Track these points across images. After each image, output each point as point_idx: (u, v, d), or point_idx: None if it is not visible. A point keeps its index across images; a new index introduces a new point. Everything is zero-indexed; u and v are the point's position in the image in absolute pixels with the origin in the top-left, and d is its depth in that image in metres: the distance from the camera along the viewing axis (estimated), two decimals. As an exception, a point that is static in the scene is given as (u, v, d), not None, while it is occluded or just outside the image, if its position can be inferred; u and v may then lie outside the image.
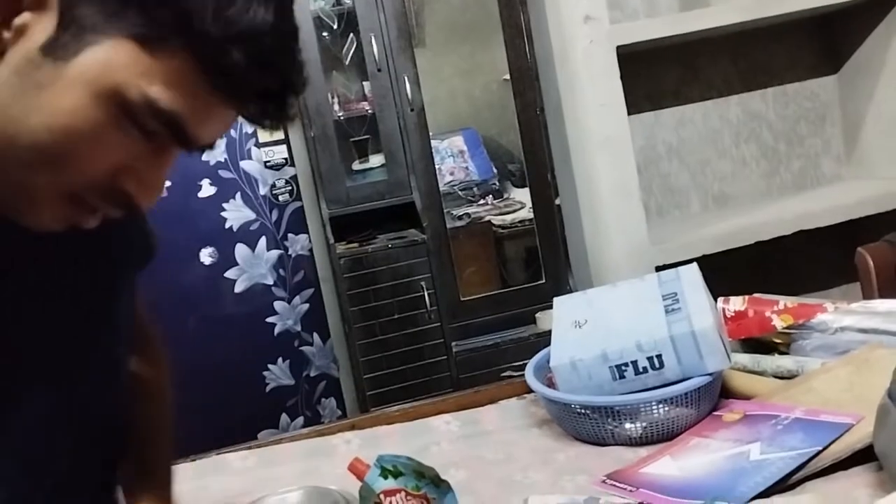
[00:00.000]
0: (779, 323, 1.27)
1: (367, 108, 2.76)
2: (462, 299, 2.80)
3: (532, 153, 2.80)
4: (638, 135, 2.67)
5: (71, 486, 0.78)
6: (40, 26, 0.55)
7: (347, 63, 2.81)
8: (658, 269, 2.09)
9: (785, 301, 1.30)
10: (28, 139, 0.55)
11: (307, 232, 2.54)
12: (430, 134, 2.76)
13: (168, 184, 2.23)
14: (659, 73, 2.69)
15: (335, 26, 2.77)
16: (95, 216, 0.62)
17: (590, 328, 1.18)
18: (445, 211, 2.84)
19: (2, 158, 0.56)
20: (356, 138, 2.81)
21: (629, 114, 2.38)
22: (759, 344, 1.30)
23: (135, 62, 0.55)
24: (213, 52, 0.55)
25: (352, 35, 2.75)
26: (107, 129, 0.56)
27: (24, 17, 0.55)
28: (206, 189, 2.37)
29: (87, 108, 0.55)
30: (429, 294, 2.67)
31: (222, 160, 2.39)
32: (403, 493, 0.83)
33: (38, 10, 0.55)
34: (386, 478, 0.84)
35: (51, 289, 0.73)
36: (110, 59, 0.54)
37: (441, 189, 2.84)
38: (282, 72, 0.60)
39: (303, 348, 2.52)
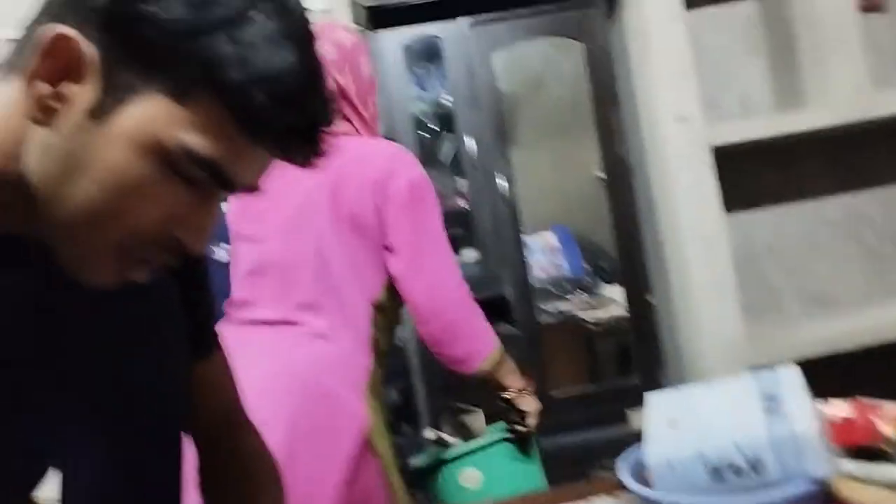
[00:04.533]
0: (886, 429, 1.22)
1: (462, 203, 2.83)
2: (552, 395, 2.76)
3: (625, 250, 2.80)
4: (734, 233, 2.64)
5: None
6: (84, 93, 0.59)
7: (444, 160, 2.91)
8: (755, 370, 2.04)
9: (892, 408, 1.25)
10: (82, 197, 0.60)
11: (400, 324, 2.58)
12: (523, 229, 2.81)
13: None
14: (755, 172, 2.67)
15: (433, 126, 2.88)
16: (147, 269, 0.66)
17: (685, 426, 1.16)
18: (537, 306, 2.85)
19: (62, 217, 0.61)
20: (450, 233, 2.86)
21: (725, 212, 2.37)
22: (865, 451, 1.25)
23: (169, 114, 0.59)
24: (237, 95, 0.59)
25: (449, 134, 2.86)
26: (152, 180, 0.60)
27: (69, 87, 0.59)
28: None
29: (131, 162, 0.59)
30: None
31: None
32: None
33: (82, 80, 0.59)
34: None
35: (101, 349, 0.74)
36: (147, 114, 0.59)
37: (532, 284, 2.85)
38: (305, 108, 0.62)
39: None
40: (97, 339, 0.74)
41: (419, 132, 2.84)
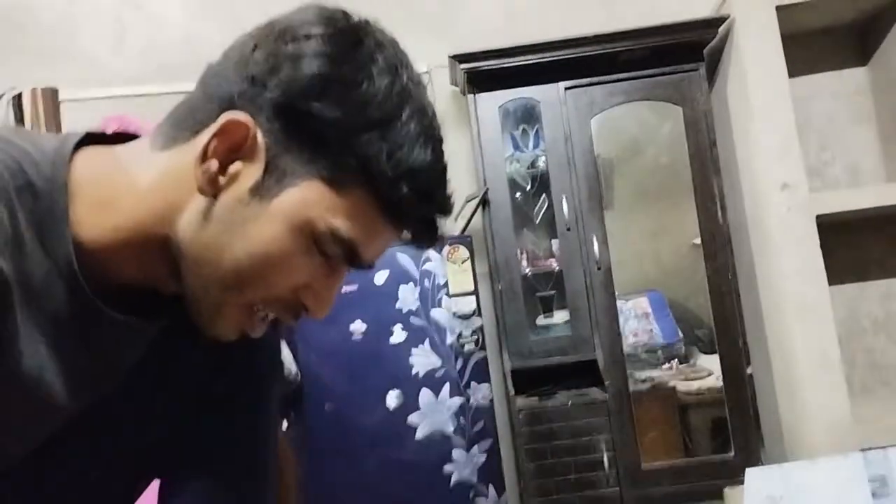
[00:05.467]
0: None
1: (555, 265, 2.82)
2: (643, 466, 2.68)
3: (722, 319, 2.72)
4: (839, 306, 2.53)
5: None
6: (249, 172, 0.66)
7: (538, 222, 2.91)
8: (863, 449, 1.93)
9: None
10: (231, 263, 0.66)
11: (489, 382, 2.58)
12: (616, 294, 2.77)
13: (364, 328, 2.37)
14: (863, 243, 2.57)
15: (528, 187, 2.90)
16: (264, 325, 0.72)
17: (786, 505, 1.11)
18: (628, 372, 2.78)
19: (206, 278, 0.67)
20: (542, 294, 2.86)
21: (829, 284, 2.28)
22: None
23: (323, 199, 0.66)
24: (387, 187, 0.66)
25: (544, 195, 2.86)
26: (296, 254, 0.67)
27: (237, 166, 0.66)
28: (398, 335, 2.48)
29: (283, 237, 0.66)
30: (608, 456, 2.59)
31: (414, 308, 2.51)
32: None
33: (250, 161, 0.66)
34: None
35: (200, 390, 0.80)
36: (304, 197, 0.66)
37: (624, 350, 2.80)
38: (439, 200, 0.70)
39: (478, 499, 2.49)
40: (202, 390, 0.79)
41: (514, 192, 2.86)
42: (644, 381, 3.06)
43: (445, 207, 0.71)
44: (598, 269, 2.73)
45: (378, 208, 0.67)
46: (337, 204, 0.66)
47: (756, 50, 2.43)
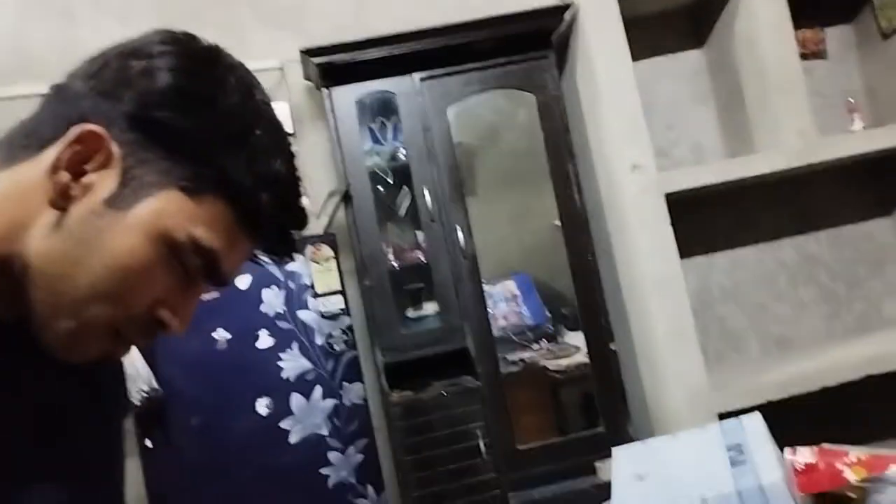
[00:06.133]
0: (851, 476, 1.21)
1: (421, 257, 2.81)
2: (518, 448, 2.73)
3: (585, 297, 2.80)
4: (692, 278, 2.66)
5: None
6: (104, 183, 0.65)
7: (402, 214, 2.90)
8: (720, 416, 2.03)
9: (857, 452, 1.24)
10: (87, 278, 0.64)
11: (362, 380, 2.55)
12: (483, 280, 2.79)
13: (229, 336, 2.30)
14: (710, 218, 2.71)
15: (390, 180, 2.88)
16: (127, 347, 0.70)
17: (652, 481, 1.14)
18: (500, 356, 2.82)
19: (61, 296, 0.65)
20: (410, 286, 2.85)
21: (681, 257, 2.39)
22: (831, 498, 1.24)
23: (182, 209, 0.66)
24: (246, 196, 0.68)
25: (406, 187, 2.85)
26: (155, 266, 0.66)
27: (90, 177, 0.65)
28: (264, 339, 2.42)
29: (141, 248, 0.65)
30: (484, 443, 2.62)
31: (281, 311, 2.44)
32: None
33: (103, 170, 0.65)
34: None
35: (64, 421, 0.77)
36: (162, 207, 0.65)
37: (495, 334, 2.83)
38: (295, 211, 0.73)
39: (357, 500, 2.47)
40: (48, 422, 0.74)
41: (376, 186, 2.83)
42: (515, 363, 3.11)
43: (301, 220, 0.74)
44: (464, 257, 2.75)
45: (236, 218, 0.68)
46: (196, 213, 0.66)
47: (600, 35, 2.51)
